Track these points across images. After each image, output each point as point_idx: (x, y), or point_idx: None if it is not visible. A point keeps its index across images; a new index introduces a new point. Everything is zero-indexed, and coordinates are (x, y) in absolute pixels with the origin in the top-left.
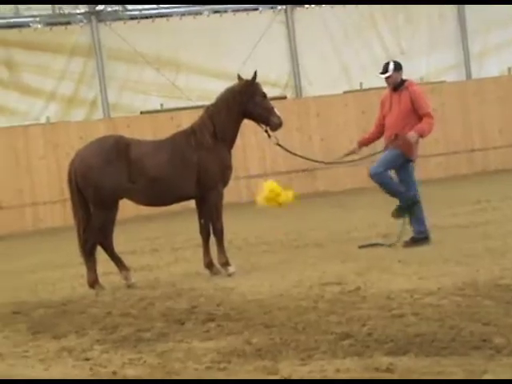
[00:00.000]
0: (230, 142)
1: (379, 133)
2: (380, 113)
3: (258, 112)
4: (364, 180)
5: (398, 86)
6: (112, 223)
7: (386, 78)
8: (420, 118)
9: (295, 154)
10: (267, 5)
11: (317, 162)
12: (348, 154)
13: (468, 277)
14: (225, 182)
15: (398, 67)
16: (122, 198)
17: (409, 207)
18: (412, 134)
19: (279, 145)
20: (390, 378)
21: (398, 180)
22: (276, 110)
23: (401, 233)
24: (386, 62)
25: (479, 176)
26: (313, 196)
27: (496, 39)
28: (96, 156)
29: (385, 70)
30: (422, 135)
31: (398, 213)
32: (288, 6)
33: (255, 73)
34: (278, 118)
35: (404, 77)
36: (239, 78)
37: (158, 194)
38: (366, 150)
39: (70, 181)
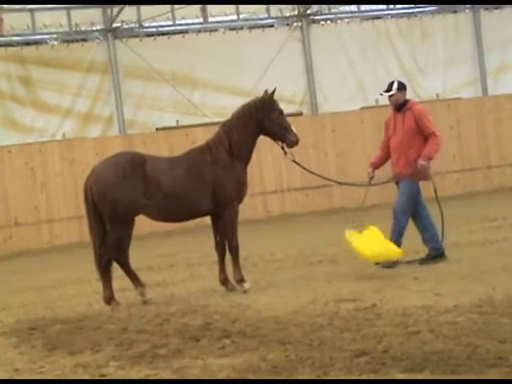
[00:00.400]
0: (246, 158)
1: (386, 155)
2: (385, 135)
3: (274, 129)
4: (379, 196)
5: (400, 106)
6: (128, 239)
7: (390, 97)
8: (425, 137)
9: (311, 172)
10: (283, 19)
11: (331, 180)
12: (371, 179)
13: (484, 294)
14: (240, 199)
15: (401, 87)
16: (137, 214)
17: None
18: (421, 163)
19: (295, 162)
20: None
21: (421, 204)
22: (293, 127)
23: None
24: (391, 81)
25: (496, 193)
26: (328, 212)
27: None
28: (112, 172)
29: (389, 89)
30: (430, 158)
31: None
32: (304, 22)
33: (274, 89)
34: (295, 135)
35: (421, 95)
36: (266, 93)
37: (173, 210)
38: (377, 173)
39: (86, 197)
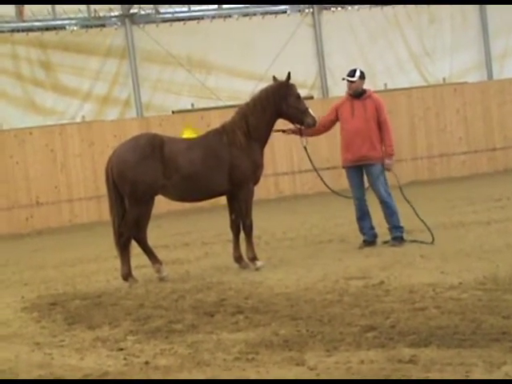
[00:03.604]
0: (263, 141)
1: (320, 131)
2: (329, 116)
3: (292, 113)
4: (388, 177)
5: (359, 94)
6: (147, 218)
7: (351, 83)
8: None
9: (311, 164)
10: (295, 4)
11: (326, 186)
12: (278, 131)
13: (488, 271)
14: (256, 180)
15: (362, 76)
16: (156, 194)
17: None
18: (390, 163)
19: (305, 148)
20: (412, 369)
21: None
22: (310, 110)
23: (430, 230)
24: (353, 68)
25: (500, 174)
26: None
27: None
28: (132, 153)
29: (351, 75)
30: (393, 152)
31: (395, 242)
32: (315, 8)
33: (289, 74)
34: (313, 118)
35: (428, 79)
36: (274, 79)
37: (191, 190)
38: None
39: (107, 177)
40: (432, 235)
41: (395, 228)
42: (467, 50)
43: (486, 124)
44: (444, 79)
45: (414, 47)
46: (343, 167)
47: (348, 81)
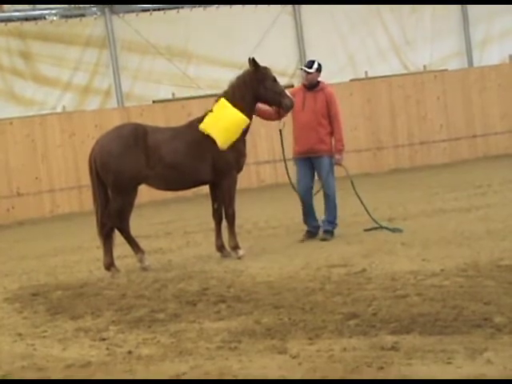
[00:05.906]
0: (245, 128)
1: (274, 117)
2: None
3: (270, 96)
4: (368, 166)
5: (313, 86)
6: (129, 208)
7: (308, 74)
8: (330, 117)
9: (282, 149)
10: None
11: (288, 175)
12: None
13: (469, 258)
14: (239, 169)
15: (319, 69)
16: (140, 183)
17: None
18: (340, 158)
19: (280, 132)
20: (394, 356)
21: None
22: (287, 91)
23: (380, 223)
24: (312, 60)
25: (481, 161)
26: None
27: (497, 28)
28: (115, 143)
29: (309, 66)
30: (342, 148)
31: (326, 236)
32: None
33: (252, 59)
34: (290, 99)
35: (409, 66)
36: (250, 61)
37: (175, 179)
38: None
39: (90, 167)
40: (382, 226)
41: (329, 222)
42: (447, 38)
43: (466, 111)
44: (424, 67)
45: (394, 35)
46: (293, 158)
47: (305, 71)
